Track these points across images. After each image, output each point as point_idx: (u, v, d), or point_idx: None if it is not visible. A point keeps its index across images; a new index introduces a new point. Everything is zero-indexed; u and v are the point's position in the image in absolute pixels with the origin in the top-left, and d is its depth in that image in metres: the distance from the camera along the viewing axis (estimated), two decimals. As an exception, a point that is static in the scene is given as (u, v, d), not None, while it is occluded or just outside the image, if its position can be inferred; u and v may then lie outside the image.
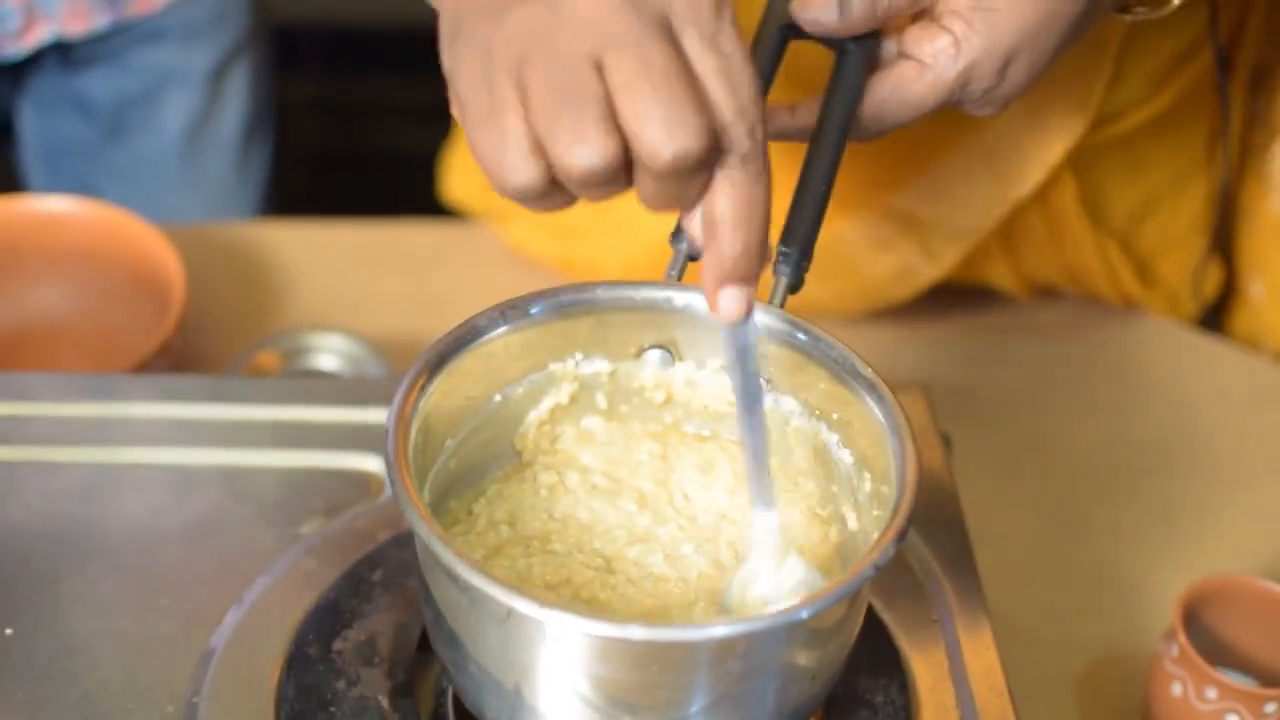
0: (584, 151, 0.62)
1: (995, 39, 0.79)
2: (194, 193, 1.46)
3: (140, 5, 1.34)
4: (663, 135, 0.62)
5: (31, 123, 1.45)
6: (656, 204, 0.65)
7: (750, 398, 0.70)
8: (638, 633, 0.65)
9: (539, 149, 0.63)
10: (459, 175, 1.29)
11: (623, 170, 0.63)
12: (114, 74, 1.39)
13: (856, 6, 0.78)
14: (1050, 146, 1.08)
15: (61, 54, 1.37)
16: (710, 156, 0.63)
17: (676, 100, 0.62)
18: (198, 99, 1.43)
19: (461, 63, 0.66)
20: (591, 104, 0.62)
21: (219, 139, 1.46)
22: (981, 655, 0.82)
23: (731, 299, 0.66)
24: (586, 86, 0.62)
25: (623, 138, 0.62)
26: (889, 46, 0.81)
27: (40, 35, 1.32)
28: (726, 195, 0.64)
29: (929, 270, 1.14)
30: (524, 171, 0.63)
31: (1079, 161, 1.13)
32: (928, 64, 0.79)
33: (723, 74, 0.64)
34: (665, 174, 0.63)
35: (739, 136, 0.64)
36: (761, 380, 0.72)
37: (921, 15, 0.80)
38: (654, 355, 0.80)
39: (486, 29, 0.65)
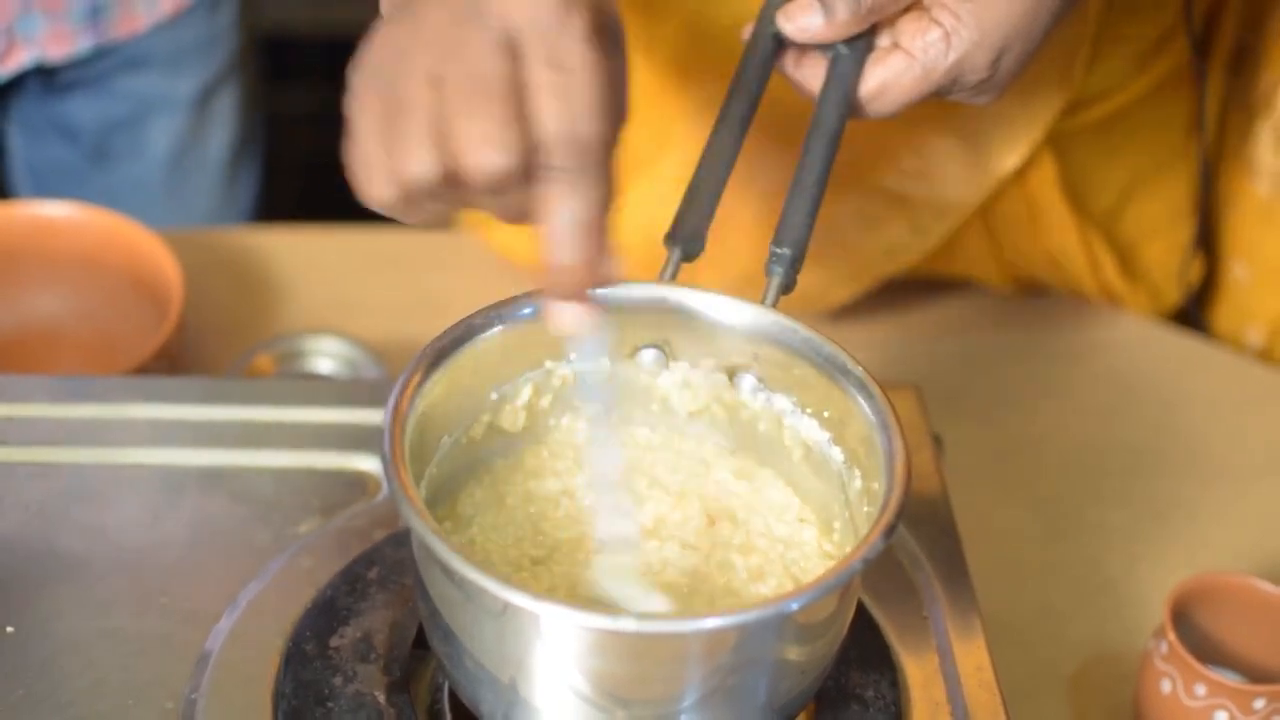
0: (415, 167, 0.65)
1: (986, 32, 0.79)
2: (180, 214, 1.44)
3: (123, 28, 1.33)
4: (473, 152, 0.63)
5: (18, 144, 1.44)
6: (496, 217, 0.67)
7: (597, 413, 0.73)
8: (630, 625, 0.65)
9: (385, 166, 0.66)
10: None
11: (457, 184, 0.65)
12: (98, 100, 1.38)
13: (840, 8, 0.79)
14: (1033, 120, 1.09)
15: (44, 78, 1.35)
16: (530, 172, 0.65)
17: (491, 118, 0.63)
18: (183, 124, 1.41)
19: (354, 71, 0.69)
20: (420, 122, 0.64)
21: (205, 162, 1.44)
22: (972, 652, 0.82)
23: (561, 313, 0.69)
24: (420, 104, 0.64)
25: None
26: (881, 38, 0.81)
27: (21, 59, 1.31)
28: (547, 210, 0.66)
29: (917, 246, 1.14)
30: (379, 187, 0.67)
31: (1059, 145, 1.13)
32: (918, 57, 0.79)
33: (555, 90, 0.64)
34: (482, 189, 0.65)
35: (558, 152, 0.64)
36: (605, 397, 0.75)
37: (913, 6, 0.80)
38: (648, 355, 0.80)
39: (367, 43, 0.69)
